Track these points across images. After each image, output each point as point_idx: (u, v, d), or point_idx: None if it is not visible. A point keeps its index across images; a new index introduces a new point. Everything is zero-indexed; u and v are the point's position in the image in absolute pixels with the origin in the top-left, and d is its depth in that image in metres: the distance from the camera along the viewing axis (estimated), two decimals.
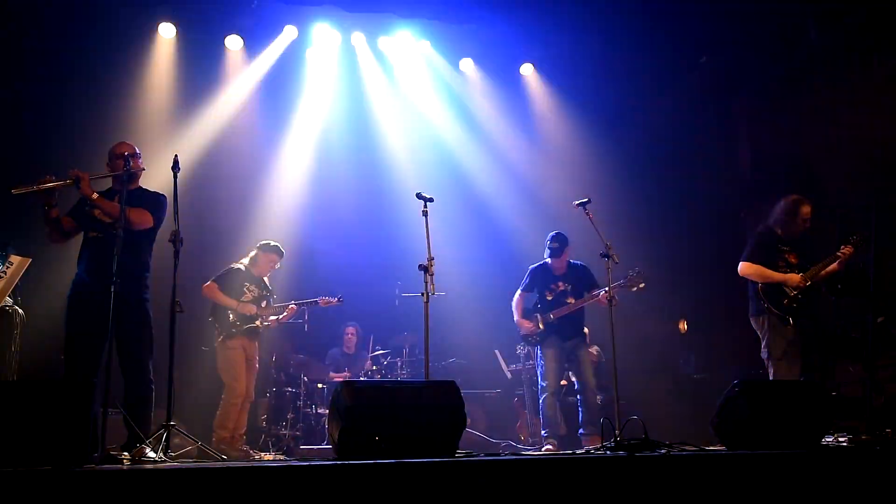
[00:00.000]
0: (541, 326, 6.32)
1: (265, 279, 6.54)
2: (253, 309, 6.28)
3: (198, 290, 6.32)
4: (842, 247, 5.38)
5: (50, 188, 4.38)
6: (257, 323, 6.33)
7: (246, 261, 6.50)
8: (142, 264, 4.68)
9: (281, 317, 6.55)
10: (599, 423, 5.90)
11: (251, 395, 6.40)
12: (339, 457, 3.71)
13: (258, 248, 6.53)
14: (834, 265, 5.40)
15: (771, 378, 5.52)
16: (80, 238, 4.74)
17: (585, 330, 6.56)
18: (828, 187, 7.75)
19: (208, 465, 3.48)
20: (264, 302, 6.45)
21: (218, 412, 6.13)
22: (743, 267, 5.63)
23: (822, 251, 5.52)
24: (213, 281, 6.30)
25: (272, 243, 6.55)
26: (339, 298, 6.85)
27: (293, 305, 6.57)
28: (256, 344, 6.43)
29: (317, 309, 7.29)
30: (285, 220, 8.19)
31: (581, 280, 6.38)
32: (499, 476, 3.08)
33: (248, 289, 6.36)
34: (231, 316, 6.24)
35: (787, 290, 5.46)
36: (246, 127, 8.21)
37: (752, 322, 5.65)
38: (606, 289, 5.62)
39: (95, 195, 4.49)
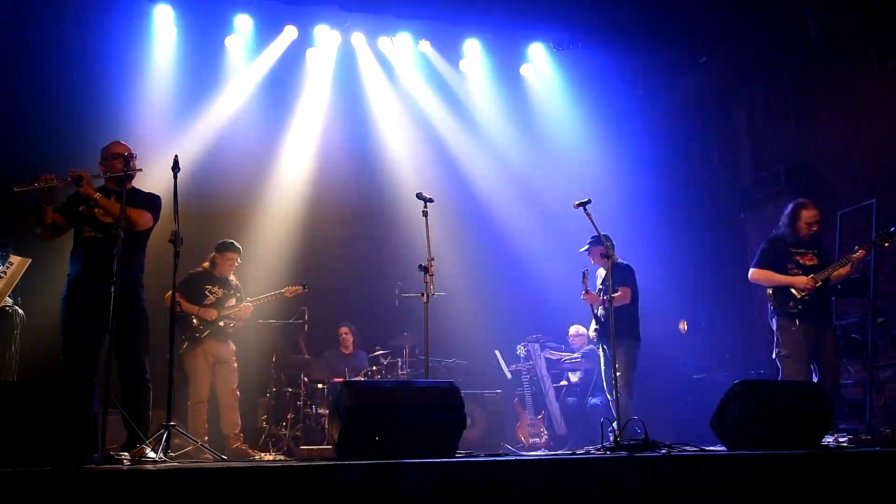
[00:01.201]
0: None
1: (231, 278, 6.51)
2: (214, 314, 6.27)
3: None
4: (856, 247, 5.45)
5: (50, 186, 4.37)
6: (221, 324, 6.32)
7: (206, 263, 6.48)
8: (137, 264, 4.68)
9: (237, 311, 6.42)
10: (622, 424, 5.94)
11: (236, 394, 6.40)
12: (339, 457, 3.72)
13: (214, 248, 6.50)
14: (845, 268, 5.46)
15: (780, 377, 5.56)
16: (71, 236, 4.71)
17: None
18: (828, 187, 7.75)
19: (208, 465, 3.48)
20: (232, 300, 6.42)
21: (188, 418, 6.14)
22: (751, 273, 5.76)
23: (856, 245, 5.54)
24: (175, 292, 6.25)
25: (227, 241, 6.50)
26: (304, 286, 6.79)
27: (248, 304, 6.48)
28: (230, 344, 6.42)
29: (316, 309, 7.28)
30: (285, 219, 8.19)
31: (614, 281, 6.34)
32: (499, 476, 3.08)
33: (210, 291, 6.35)
34: (195, 321, 6.24)
35: (794, 292, 5.52)
36: (246, 127, 8.20)
37: (771, 324, 5.73)
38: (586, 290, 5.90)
39: (98, 195, 4.48)
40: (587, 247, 6.38)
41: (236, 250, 6.48)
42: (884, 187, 7.14)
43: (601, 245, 6.22)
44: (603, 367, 6.32)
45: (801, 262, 5.58)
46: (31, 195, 4.41)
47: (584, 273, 6.07)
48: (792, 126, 8.21)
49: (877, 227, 6.84)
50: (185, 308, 6.19)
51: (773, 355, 5.64)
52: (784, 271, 5.59)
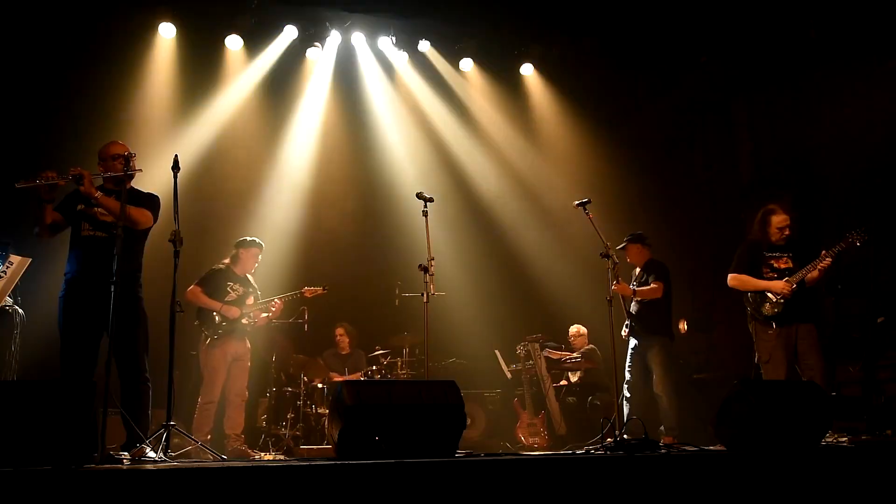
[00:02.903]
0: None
1: (249, 276, 6.51)
2: (237, 312, 6.26)
3: None
4: (823, 251, 5.45)
5: (51, 184, 4.38)
6: (244, 322, 6.32)
7: (227, 260, 6.48)
8: (136, 263, 4.67)
9: (269, 314, 6.47)
10: (671, 424, 6.03)
11: (244, 394, 6.37)
12: (339, 457, 3.72)
13: (237, 245, 6.48)
14: (814, 272, 5.48)
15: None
16: (67, 235, 4.69)
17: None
18: (828, 187, 7.76)
19: (208, 465, 3.48)
20: (250, 299, 6.42)
21: (195, 416, 6.11)
22: (728, 279, 5.79)
23: (823, 251, 5.52)
24: (196, 284, 6.27)
25: (249, 238, 6.52)
26: (324, 287, 6.77)
27: (278, 301, 6.48)
28: (246, 342, 6.40)
29: (316, 309, 7.28)
30: (285, 220, 8.19)
31: (646, 279, 6.38)
32: (499, 476, 3.08)
33: (232, 288, 6.34)
34: (217, 318, 6.23)
35: (770, 296, 5.55)
36: (246, 127, 8.20)
37: (749, 328, 5.76)
38: (617, 281, 5.91)
39: (98, 193, 4.48)
40: (624, 244, 6.41)
41: (260, 246, 6.49)
42: (883, 187, 7.14)
43: (639, 243, 6.33)
44: (628, 364, 6.33)
45: (776, 265, 5.62)
46: (31, 194, 4.41)
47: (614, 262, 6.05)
48: (792, 125, 8.21)
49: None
50: (206, 304, 6.18)
51: (755, 360, 5.66)
52: (760, 275, 5.63)
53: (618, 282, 6.10)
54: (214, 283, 6.29)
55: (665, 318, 6.30)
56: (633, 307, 6.33)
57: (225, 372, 6.24)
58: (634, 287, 6.29)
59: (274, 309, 6.46)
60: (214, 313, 6.21)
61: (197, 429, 5.97)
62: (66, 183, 4.44)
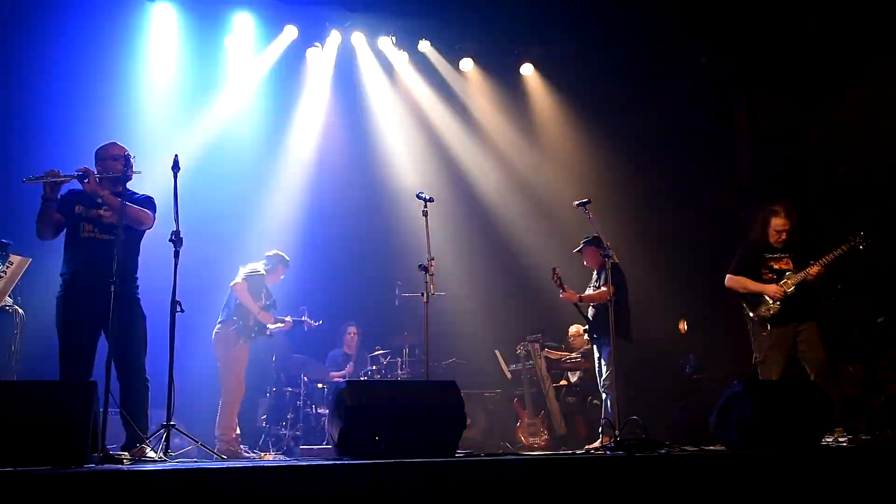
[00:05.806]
0: None
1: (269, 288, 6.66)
2: (271, 318, 6.37)
3: (196, 289, 6.30)
4: (811, 262, 5.48)
5: (57, 181, 4.38)
6: (267, 332, 6.40)
7: (262, 268, 6.53)
8: (133, 264, 4.67)
9: (282, 325, 6.67)
10: (604, 424, 5.95)
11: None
12: (339, 457, 3.72)
13: (282, 262, 6.66)
14: (808, 277, 5.49)
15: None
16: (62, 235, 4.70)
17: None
18: (828, 187, 7.76)
19: (208, 465, 3.49)
20: (272, 311, 6.56)
21: (222, 417, 6.13)
22: (726, 280, 5.81)
23: (822, 251, 5.53)
24: (244, 280, 6.34)
25: (286, 256, 6.75)
26: (320, 322, 7.03)
27: (290, 319, 6.72)
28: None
29: (318, 308, 7.29)
30: (285, 220, 8.18)
31: (599, 282, 6.36)
32: (499, 476, 3.08)
33: (264, 296, 6.49)
34: (251, 320, 6.31)
35: (766, 298, 5.57)
36: (246, 127, 8.19)
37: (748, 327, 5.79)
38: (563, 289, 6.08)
39: (105, 192, 4.48)
40: (581, 247, 6.39)
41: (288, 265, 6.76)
42: (883, 187, 7.14)
43: (594, 245, 6.26)
44: (596, 366, 6.34)
45: (775, 266, 5.65)
46: (34, 194, 4.41)
47: (553, 270, 6.08)
48: (792, 125, 8.20)
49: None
50: (249, 303, 6.28)
51: (752, 360, 5.68)
52: (759, 276, 5.65)
53: (564, 290, 6.14)
54: (255, 286, 6.38)
55: (620, 320, 6.15)
56: (590, 311, 6.30)
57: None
58: (586, 293, 6.27)
59: (284, 324, 6.64)
60: (250, 315, 6.25)
61: (229, 427, 6.06)
62: (70, 180, 4.44)
